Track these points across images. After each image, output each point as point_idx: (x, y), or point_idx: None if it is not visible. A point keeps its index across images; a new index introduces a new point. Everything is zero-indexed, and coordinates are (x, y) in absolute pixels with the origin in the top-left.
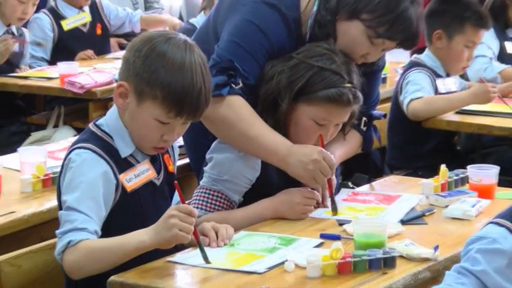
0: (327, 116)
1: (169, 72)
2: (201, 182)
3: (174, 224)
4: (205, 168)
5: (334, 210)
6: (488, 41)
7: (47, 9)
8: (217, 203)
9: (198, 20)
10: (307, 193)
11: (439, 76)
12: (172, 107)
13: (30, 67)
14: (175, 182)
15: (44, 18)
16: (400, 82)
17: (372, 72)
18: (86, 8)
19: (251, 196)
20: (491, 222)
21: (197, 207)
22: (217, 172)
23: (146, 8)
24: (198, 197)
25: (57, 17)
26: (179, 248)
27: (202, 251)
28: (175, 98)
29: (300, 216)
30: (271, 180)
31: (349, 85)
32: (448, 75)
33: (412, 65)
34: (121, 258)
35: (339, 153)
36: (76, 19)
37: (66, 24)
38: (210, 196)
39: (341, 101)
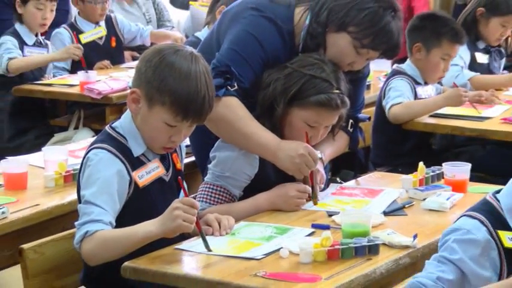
0: (317, 119)
1: (177, 81)
2: (205, 178)
3: (178, 215)
4: (209, 166)
5: (315, 198)
6: (460, 52)
7: (67, 24)
8: (220, 197)
9: (203, 34)
10: (300, 187)
11: (418, 84)
12: (179, 112)
13: (54, 76)
14: (179, 177)
15: (65, 33)
16: (383, 88)
17: (357, 80)
18: (102, 23)
19: (250, 191)
20: (465, 215)
21: (202, 201)
22: (220, 169)
23: (159, 26)
24: (203, 192)
25: (76, 31)
26: (186, 236)
27: (204, 240)
28: (181, 103)
29: (293, 208)
30: (268, 177)
31: (337, 91)
32: (426, 83)
33: (395, 73)
34: (131, 247)
35: (328, 152)
36: (92, 33)
37: (84, 38)
38: (214, 191)
39: (330, 105)
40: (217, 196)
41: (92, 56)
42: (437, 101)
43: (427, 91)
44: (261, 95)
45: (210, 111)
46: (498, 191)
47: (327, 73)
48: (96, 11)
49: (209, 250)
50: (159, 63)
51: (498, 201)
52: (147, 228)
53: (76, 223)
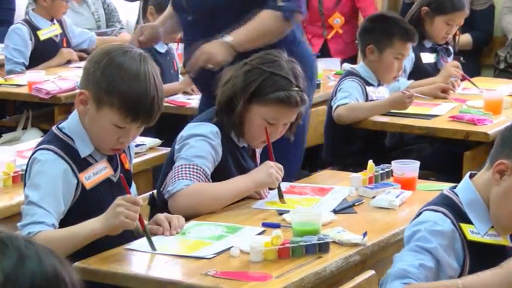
0: (276, 115)
1: (126, 82)
2: (176, 164)
3: (120, 212)
4: (181, 154)
5: (281, 197)
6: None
7: (23, 20)
8: (198, 175)
9: None
10: (277, 164)
11: (370, 85)
12: (128, 113)
13: (13, 72)
14: (121, 174)
15: (23, 29)
16: (335, 89)
17: None
18: (55, 21)
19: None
20: (427, 209)
21: (183, 179)
22: (195, 151)
23: (108, 27)
24: (180, 172)
25: (33, 28)
26: (136, 236)
27: (148, 238)
28: (131, 105)
29: (273, 179)
30: (229, 167)
31: (296, 89)
32: (380, 84)
33: (347, 74)
34: (75, 245)
35: (240, 34)
36: (49, 30)
37: (42, 35)
38: (191, 169)
39: (289, 102)
40: (195, 174)
41: (49, 53)
42: (382, 104)
43: (379, 92)
44: (220, 92)
45: (159, 112)
46: (454, 187)
47: (285, 70)
48: (62, 8)
49: (154, 249)
50: (107, 64)
51: (457, 195)
52: (91, 226)
53: (18, 224)
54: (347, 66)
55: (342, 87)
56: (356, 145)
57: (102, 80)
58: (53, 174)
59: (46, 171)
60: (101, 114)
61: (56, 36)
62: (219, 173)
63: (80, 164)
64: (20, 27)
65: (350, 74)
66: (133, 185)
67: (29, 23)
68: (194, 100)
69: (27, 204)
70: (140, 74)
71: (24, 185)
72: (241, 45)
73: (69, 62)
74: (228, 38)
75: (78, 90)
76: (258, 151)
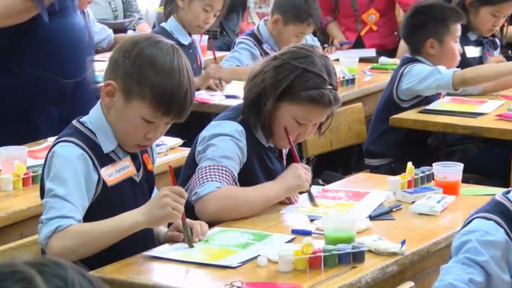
0: (307, 115)
1: (159, 74)
2: (201, 165)
3: (167, 203)
4: (205, 154)
5: (312, 201)
6: None
7: None
8: (227, 177)
9: (170, 24)
10: (304, 165)
11: None
12: (160, 107)
13: None
14: (170, 165)
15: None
16: (401, 72)
17: None
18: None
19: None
20: (477, 217)
21: (212, 181)
22: (221, 151)
23: (126, 17)
24: (208, 173)
25: None
26: (156, 243)
27: (188, 234)
28: (163, 98)
29: (305, 183)
30: (254, 168)
31: (330, 87)
32: None
33: (411, 60)
34: (114, 239)
35: None
36: None
37: None
38: (220, 171)
39: (322, 102)
40: (224, 176)
41: None
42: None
43: None
44: (248, 87)
45: (191, 107)
46: (508, 192)
47: (318, 67)
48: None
49: (191, 246)
50: (139, 54)
51: (511, 201)
52: (134, 217)
53: (42, 218)
54: (385, 59)
55: (413, 71)
56: (403, 137)
57: (134, 70)
58: (76, 167)
59: (70, 164)
60: (130, 107)
61: None
62: (244, 175)
63: (102, 159)
64: None
65: (415, 60)
66: (156, 189)
67: None
68: (218, 97)
69: (51, 197)
70: (174, 66)
71: (41, 179)
72: None
73: None
74: None
75: (104, 83)
76: (285, 152)
